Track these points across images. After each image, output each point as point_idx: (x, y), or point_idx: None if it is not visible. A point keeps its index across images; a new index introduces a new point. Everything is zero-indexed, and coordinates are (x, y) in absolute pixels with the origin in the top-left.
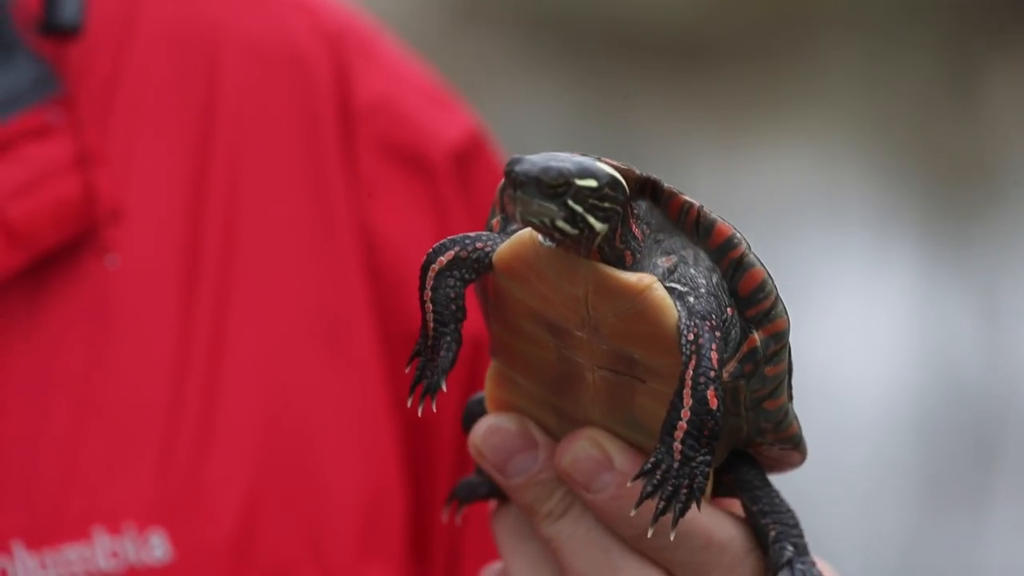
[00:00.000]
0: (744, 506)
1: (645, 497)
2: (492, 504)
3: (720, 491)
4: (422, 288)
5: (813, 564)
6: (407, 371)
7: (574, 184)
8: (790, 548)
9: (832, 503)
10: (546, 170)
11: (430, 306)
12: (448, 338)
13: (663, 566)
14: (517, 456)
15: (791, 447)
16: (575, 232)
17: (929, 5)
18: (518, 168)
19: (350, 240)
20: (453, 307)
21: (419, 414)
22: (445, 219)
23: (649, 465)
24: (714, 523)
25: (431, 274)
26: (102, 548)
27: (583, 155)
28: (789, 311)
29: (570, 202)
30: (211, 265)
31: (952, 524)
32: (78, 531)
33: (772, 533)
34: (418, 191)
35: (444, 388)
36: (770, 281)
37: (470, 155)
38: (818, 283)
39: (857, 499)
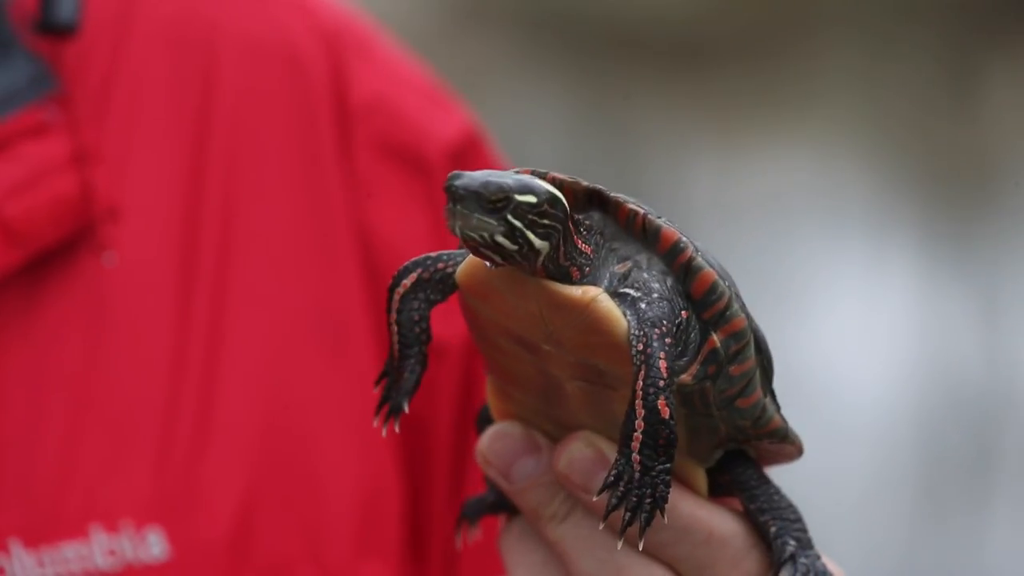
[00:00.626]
0: (743, 505)
1: (611, 510)
2: (501, 521)
3: (718, 491)
4: (388, 311)
5: (818, 557)
6: (375, 391)
7: (513, 199)
8: (792, 543)
9: (832, 504)
10: (486, 184)
11: (395, 328)
12: (412, 360)
13: (667, 563)
14: (521, 460)
15: (778, 441)
16: (514, 248)
17: (929, 5)
18: (458, 183)
19: (347, 239)
20: (417, 330)
21: (383, 435)
22: (441, 217)
23: (612, 478)
24: (714, 518)
25: (396, 297)
26: (100, 546)
27: (525, 173)
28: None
29: (509, 217)
30: (208, 263)
31: (952, 525)
32: (76, 529)
33: (772, 529)
34: (415, 190)
35: (407, 410)
36: (722, 283)
37: (467, 154)
38: (818, 283)
39: (857, 500)
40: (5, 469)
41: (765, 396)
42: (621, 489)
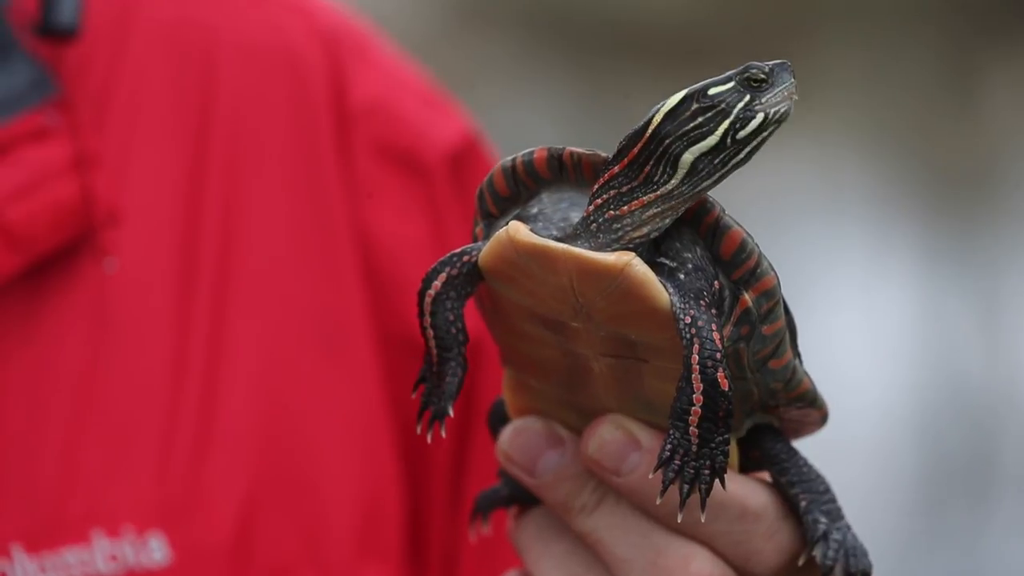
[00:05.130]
0: (774, 478)
1: (669, 484)
2: (510, 516)
3: (748, 466)
4: (421, 315)
5: (848, 528)
6: (413, 397)
7: None
8: (823, 520)
9: None
10: None
11: (431, 332)
12: (453, 363)
13: (705, 541)
14: (545, 454)
15: (806, 405)
16: None
17: (930, 5)
18: (789, 63)
19: (346, 241)
20: (454, 331)
21: (428, 440)
22: (440, 221)
23: (667, 452)
24: (747, 492)
25: (428, 301)
26: (101, 551)
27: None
28: (790, 311)
29: None
30: (208, 268)
31: (952, 526)
32: (77, 534)
33: (803, 503)
34: (414, 193)
35: (451, 413)
36: (750, 240)
37: (465, 157)
38: (818, 284)
39: (857, 501)
40: (7, 474)
41: (795, 357)
42: (677, 463)
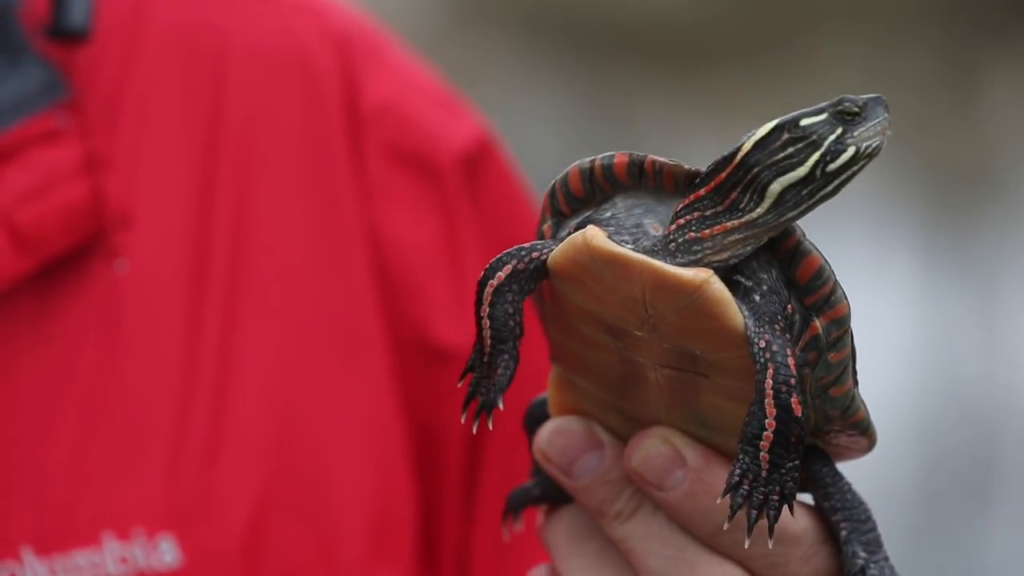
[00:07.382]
0: (816, 502)
1: (737, 509)
2: (540, 513)
3: None
4: (479, 304)
5: (886, 558)
6: (459, 385)
7: None
8: (862, 553)
9: None
10: None
11: (487, 322)
12: (506, 356)
13: (740, 561)
14: (583, 456)
15: (859, 433)
16: None
17: (930, 4)
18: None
19: (358, 244)
20: (511, 323)
21: (474, 431)
22: (453, 224)
23: (736, 477)
24: (787, 515)
25: (489, 290)
26: (111, 554)
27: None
28: (853, 338)
29: None
30: (220, 270)
31: (952, 528)
32: (88, 537)
33: (843, 532)
34: (426, 195)
35: (501, 406)
36: (827, 267)
37: (479, 160)
38: None
39: None
40: (17, 477)
41: (855, 386)
42: (746, 489)
